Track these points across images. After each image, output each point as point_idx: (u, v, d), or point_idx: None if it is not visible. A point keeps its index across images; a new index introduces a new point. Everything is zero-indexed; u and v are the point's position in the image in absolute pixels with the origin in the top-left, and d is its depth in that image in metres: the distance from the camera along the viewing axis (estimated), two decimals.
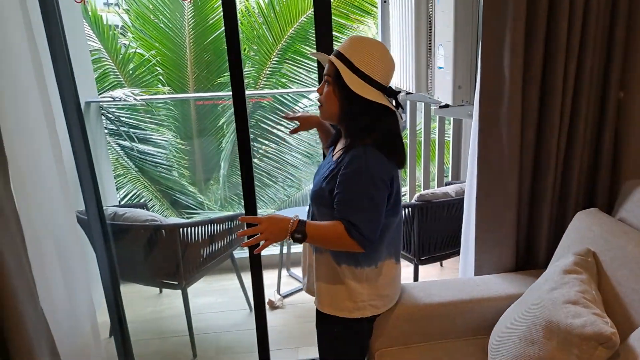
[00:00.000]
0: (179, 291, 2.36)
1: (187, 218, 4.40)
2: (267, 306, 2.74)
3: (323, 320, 1.44)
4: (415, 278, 2.54)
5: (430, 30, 2.24)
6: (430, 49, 2.26)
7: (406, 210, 2.41)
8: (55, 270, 1.57)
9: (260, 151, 4.64)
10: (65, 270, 1.63)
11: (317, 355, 1.69)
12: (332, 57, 1.27)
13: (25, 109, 1.45)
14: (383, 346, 1.54)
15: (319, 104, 1.33)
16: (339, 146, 1.36)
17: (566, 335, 1.13)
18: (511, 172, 1.59)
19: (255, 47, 4.74)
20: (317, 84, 1.44)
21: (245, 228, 1.23)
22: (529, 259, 1.76)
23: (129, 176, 4.34)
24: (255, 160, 4.58)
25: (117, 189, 4.00)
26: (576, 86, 1.53)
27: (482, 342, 1.53)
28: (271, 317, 2.67)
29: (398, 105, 1.31)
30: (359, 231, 1.20)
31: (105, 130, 3.88)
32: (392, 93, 1.30)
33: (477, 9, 1.87)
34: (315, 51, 1.47)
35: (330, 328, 1.43)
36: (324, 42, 1.63)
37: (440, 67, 2.18)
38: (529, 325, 1.24)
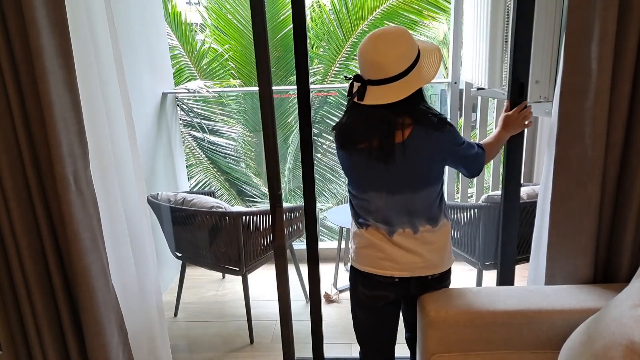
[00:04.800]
0: (240, 277, 2.43)
1: (251, 207, 4.53)
2: (323, 299, 2.75)
3: None
4: (479, 283, 2.42)
5: (507, 21, 2.11)
6: (506, 41, 2.13)
7: (472, 211, 2.30)
8: (127, 250, 1.67)
9: (324, 146, 4.66)
10: (136, 251, 1.72)
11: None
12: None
13: (106, 98, 1.55)
14: (440, 351, 1.47)
15: None
16: None
17: None
18: (593, 175, 1.45)
19: (324, 44, 4.76)
20: None
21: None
22: (609, 270, 1.60)
23: (200, 166, 4.55)
24: (319, 155, 4.61)
25: (188, 178, 4.21)
26: None
27: (551, 356, 1.42)
28: (327, 310, 2.67)
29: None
30: None
31: (180, 121, 4.09)
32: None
33: None
34: None
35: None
36: None
37: None
38: (607, 343, 1.13)
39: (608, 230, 1.54)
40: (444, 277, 1.53)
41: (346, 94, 1.42)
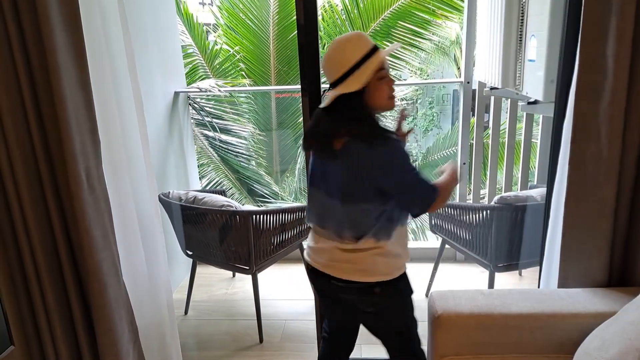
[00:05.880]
0: (250, 276, 2.43)
1: (262, 206, 4.54)
2: None
3: None
4: (491, 285, 2.39)
5: (522, 20, 2.08)
6: (520, 40, 2.10)
7: (484, 212, 2.27)
8: (138, 247, 1.68)
9: None
10: (147, 248, 1.73)
11: (381, 355, 1.65)
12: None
13: (118, 96, 1.56)
14: (451, 353, 1.46)
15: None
16: None
17: None
18: (608, 176, 1.42)
19: None
20: (397, 79, 1.43)
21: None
22: (625, 274, 1.56)
23: (212, 165, 4.56)
24: None
25: (200, 177, 4.22)
26: None
27: None
28: None
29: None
30: None
31: (192, 120, 4.11)
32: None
33: None
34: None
35: None
36: None
37: (531, 60, 2.02)
38: (622, 349, 1.10)
39: (624, 231, 1.51)
40: (353, 290, 1.38)
41: None
